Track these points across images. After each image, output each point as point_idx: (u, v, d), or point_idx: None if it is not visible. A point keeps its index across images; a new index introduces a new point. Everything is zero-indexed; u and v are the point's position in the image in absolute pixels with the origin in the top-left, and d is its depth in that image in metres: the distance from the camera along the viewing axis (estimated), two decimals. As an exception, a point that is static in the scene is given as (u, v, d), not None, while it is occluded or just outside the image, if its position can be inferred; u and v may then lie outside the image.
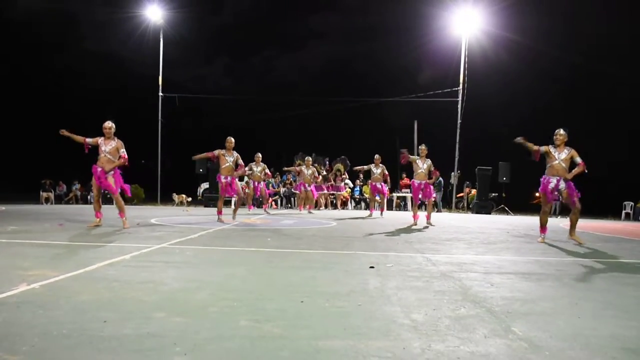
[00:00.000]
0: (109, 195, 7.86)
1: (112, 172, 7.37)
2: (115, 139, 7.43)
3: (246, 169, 12.09)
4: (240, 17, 42.69)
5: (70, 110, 31.17)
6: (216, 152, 9.39)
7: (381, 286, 3.24)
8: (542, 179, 6.97)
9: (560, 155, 6.79)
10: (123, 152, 7.40)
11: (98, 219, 7.44)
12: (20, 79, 32.47)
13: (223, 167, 9.45)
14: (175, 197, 19.47)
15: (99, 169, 7.30)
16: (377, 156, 12.73)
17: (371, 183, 12.95)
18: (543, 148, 6.86)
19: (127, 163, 7.47)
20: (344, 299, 2.85)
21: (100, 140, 7.39)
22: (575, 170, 6.75)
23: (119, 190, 7.52)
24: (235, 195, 10.18)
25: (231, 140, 9.48)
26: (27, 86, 32.46)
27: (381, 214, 13.50)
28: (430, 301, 2.85)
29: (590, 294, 3.25)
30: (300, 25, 46.31)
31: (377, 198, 13.36)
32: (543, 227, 7.03)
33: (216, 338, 2.06)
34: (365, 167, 13.00)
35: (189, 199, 19.67)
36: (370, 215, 13.10)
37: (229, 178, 9.43)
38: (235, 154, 9.50)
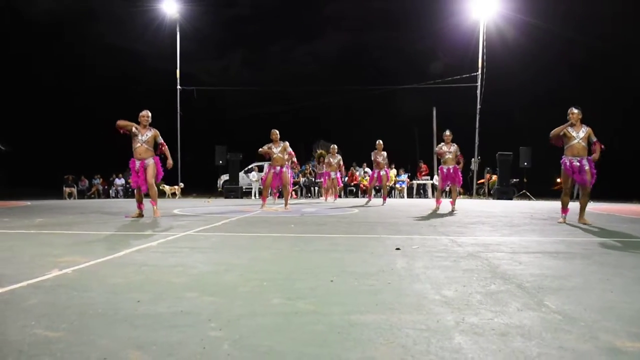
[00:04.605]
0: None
1: (154, 161, 7.34)
2: (151, 128, 7.37)
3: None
4: (256, 7, 42.55)
5: (87, 106, 31.60)
6: (265, 147, 9.79)
7: (409, 266, 3.23)
8: (562, 162, 6.86)
9: (578, 134, 6.68)
10: (161, 140, 7.41)
11: (139, 211, 7.44)
12: (40, 76, 32.97)
13: (272, 157, 9.81)
14: (166, 188, 19.04)
15: (138, 162, 7.27)
16: (379, 142, 12.16)
17: (374, 170, 12.55)
18: (561, 131, 6.76)
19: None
20: (373, 277, 2.85)
21: (134, 129, 7.21)
22: (597, 153, 6.64)
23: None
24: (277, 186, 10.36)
25: (276, 132, 9.79)
26: (45, 83, 32.92)
27: (383, 202, 12.94)
28: (460, 278, 2.83)
29: (620, 270, 3.20)
30: (316, 14, 45.99)
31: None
32: (564, 207, 6.94)
33: (249, 315, 2.08)
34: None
35: (178, 190, 19.58)
36: (369, 202, 12.81)
37: (277, 168, 9.69)
38: (282, 143, 9.76)
